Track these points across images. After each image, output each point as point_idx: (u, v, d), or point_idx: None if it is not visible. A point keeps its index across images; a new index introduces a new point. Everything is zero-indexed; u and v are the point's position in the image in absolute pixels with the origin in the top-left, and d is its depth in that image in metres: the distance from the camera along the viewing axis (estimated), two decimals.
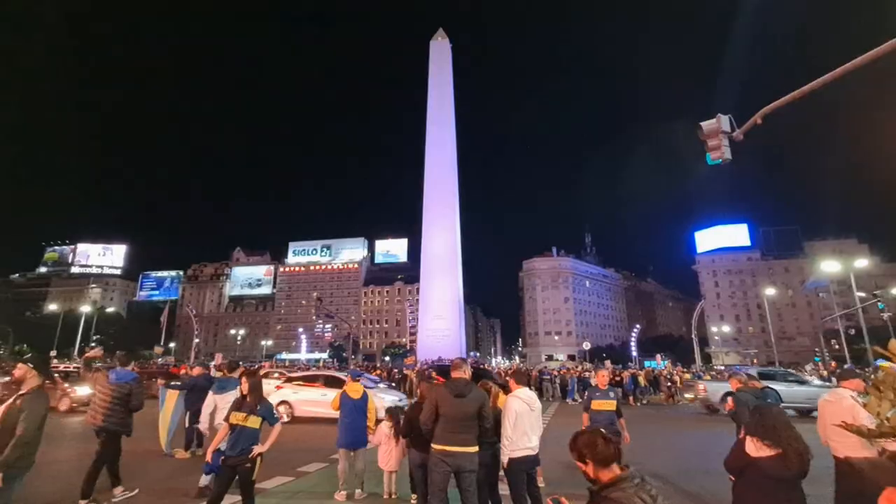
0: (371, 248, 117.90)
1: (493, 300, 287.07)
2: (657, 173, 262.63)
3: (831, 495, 3.61)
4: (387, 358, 67.95)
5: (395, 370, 29.33)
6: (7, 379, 15.09)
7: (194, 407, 8.32)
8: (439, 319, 51.18)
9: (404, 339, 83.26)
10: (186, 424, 8.26)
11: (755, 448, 2.60)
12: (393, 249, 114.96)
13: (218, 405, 7.12)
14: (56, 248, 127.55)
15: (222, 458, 4.25)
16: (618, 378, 22.13)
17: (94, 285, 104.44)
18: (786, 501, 2.52)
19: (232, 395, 6.92)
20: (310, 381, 13.78)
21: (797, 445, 2.52)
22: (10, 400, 3.58)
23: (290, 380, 14.34)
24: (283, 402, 12.65)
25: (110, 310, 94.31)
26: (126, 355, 6.99)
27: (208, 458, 4.47)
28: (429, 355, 45.25)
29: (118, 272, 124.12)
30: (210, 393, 7.59)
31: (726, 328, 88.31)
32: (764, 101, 7.73)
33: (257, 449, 4.21)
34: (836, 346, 50.76)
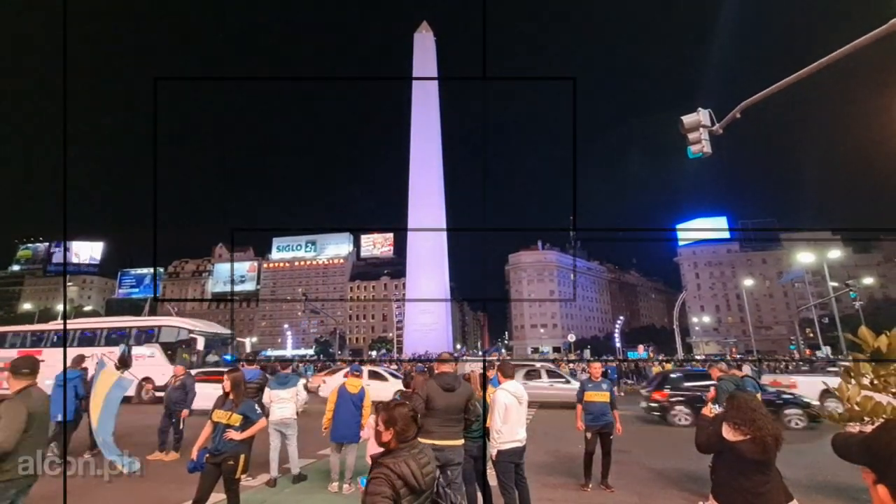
0: (357, 243, 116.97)
1: (480, 294, 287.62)
2: (640, 167, 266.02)
3: (803, 476, 3.75)
4: (373, 353, 67.80)
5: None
6: None
7: (177, 407, 8.19)
8: (426, 314, 51.17)
9: (391, 334, 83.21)
10: (161, 424, 8.16)
11: (732, 433, 2.69)
12: (379, 244, 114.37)
13: (274, 400, 6.75)
14: (30, 245, 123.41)
15: (206, 455, 4.21)
16: (603, 369, 22.58)
17: (70, 283, 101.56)
18: (764, 483, 2.63)
19: (292, 391, 6.74)
20: None
21: (772, 429, 2.63)
22: None
23: None
24: None
25: (88, 308, 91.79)
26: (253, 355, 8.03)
27: (193, 455, 4.42)
28: (416, 350, 45.34)
29: (95, 270, 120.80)
30: (267, 389, 7.20)
31: (707, 318, 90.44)
32: (746, 94, 7.91)
33: (232, 434, 4.16)
34: (811, 335, 52.53)
